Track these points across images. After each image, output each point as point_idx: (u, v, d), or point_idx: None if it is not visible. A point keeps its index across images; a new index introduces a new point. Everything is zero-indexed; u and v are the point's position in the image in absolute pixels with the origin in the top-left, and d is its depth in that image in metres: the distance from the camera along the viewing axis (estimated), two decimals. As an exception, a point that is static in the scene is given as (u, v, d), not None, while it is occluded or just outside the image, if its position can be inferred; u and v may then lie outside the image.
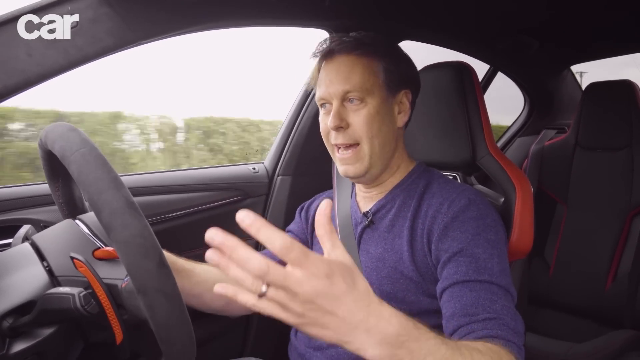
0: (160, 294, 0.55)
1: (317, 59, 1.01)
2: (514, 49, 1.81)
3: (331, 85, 0.94)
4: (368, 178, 0.99)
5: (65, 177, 0.82)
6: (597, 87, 1.87)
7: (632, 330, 1.61)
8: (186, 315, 0.58)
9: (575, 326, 1.80)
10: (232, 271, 0.50)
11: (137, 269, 0.55)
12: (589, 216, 1.84)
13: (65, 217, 0.85)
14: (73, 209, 0.86)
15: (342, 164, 0.96)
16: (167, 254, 0.93)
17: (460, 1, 1.33)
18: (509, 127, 2.54)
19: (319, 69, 0.99)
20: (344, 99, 0.94)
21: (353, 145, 0.94)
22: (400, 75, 0.98)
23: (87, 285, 0.67)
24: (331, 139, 0.96)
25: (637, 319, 1.65)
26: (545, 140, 2.09)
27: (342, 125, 0.93)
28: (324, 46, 0.98)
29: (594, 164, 1.86)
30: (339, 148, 0.96)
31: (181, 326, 0.57)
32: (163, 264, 0.57)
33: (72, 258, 0.70)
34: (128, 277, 0.68)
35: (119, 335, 0.66)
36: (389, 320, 0.55)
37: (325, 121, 0.96)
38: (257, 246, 1.48)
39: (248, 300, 0.51)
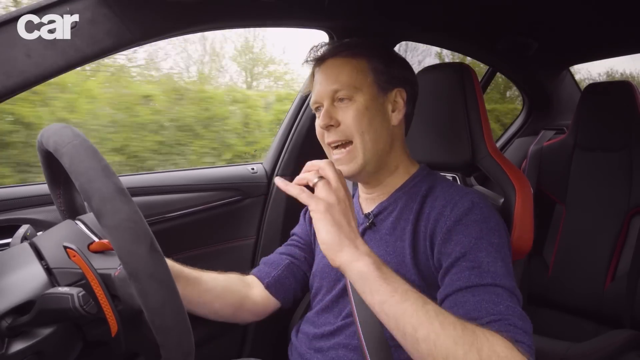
0: (153, 278, 0.55)
1: (311, 66, 1.02)
2: (513, 49, 1.81)
3: (321, 87, 0.96)
4: (364, 176, 0.99)
5: (66, 184, 0.83)
6: (595, 88, 1.87)
7: (631, 330, 1.61)
8: (180, 301, 0.58)
9: (574, 326, 1.80)
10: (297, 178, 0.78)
11: (128, 253, 0.55)
12: (587, 216, 1.84)
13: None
14: (74, 216, 0.86)
15: (338, 164, 0.96)
16: (172, 265, 0.94)
17: (460, 2, 1.33)
18: (507, 128, 2.54)
19: (313, 76, 1.01)
20: (334, 99, 0.95)
21: (346, 143, 0.95)
22: (392, 75, 0.98)
23: (81, 277, 0.67)
24: (325, 138, 0.98)
25: (636, 319, 1.65)
26: (544, 141, 2.10)
27: (332, 124, 0.94)
28: (316, 53, 1.00)
29: (592, 165, 1.86)
30: (334, 148, 0.97)
31: (176, 313, 0.57)
32: (154, 249, 0.56)
33: (66, 248, 0.69)
34: (121, 266, 0.67)
35: (113, 327, 0.65)
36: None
37: (319, 122, 0.97)
38: (256, 243, 1.49)
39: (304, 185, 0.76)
